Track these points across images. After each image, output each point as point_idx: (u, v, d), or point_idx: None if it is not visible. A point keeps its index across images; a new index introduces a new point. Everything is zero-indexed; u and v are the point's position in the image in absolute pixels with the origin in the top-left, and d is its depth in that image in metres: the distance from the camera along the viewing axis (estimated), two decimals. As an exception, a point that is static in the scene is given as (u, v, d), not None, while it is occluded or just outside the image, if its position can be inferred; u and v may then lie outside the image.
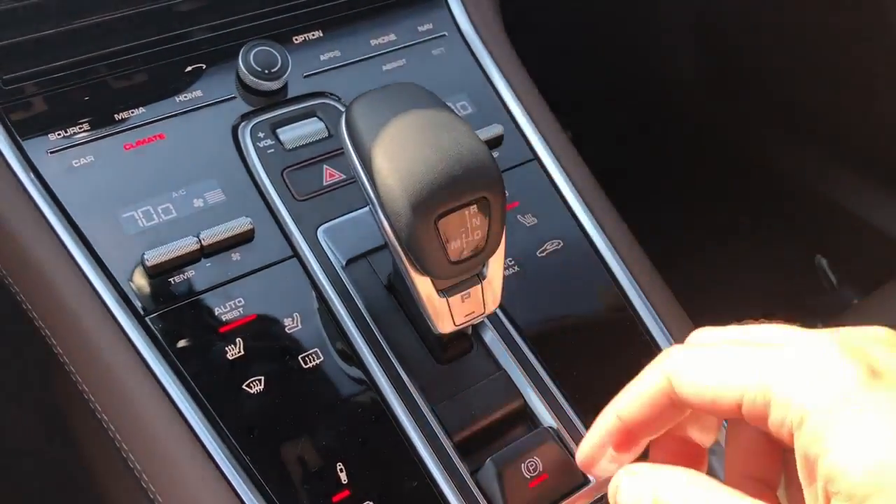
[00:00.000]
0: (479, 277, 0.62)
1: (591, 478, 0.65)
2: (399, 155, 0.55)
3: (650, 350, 0.73)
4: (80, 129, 0.69)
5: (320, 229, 0.70)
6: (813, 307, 1.67)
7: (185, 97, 0.73)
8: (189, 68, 0.74)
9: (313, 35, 0.80)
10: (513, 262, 0.73)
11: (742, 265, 1.70)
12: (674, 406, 0.43)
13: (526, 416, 0.67)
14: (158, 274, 0.65)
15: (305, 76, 0.78)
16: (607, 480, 0.64)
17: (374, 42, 0.81)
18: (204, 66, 0.75)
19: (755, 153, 1.73)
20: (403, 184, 0.54)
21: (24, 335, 0.71)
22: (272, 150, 0.73)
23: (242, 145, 0.72)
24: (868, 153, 1.55)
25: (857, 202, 1.60)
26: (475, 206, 0.56)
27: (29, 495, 1.12)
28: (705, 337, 0.45)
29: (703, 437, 0.47)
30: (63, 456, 1.05)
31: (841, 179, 1.62)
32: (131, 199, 0.67)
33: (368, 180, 0.56)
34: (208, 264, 0.66)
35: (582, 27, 1.81)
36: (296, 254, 0.69)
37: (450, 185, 0.54)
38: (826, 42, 1.51)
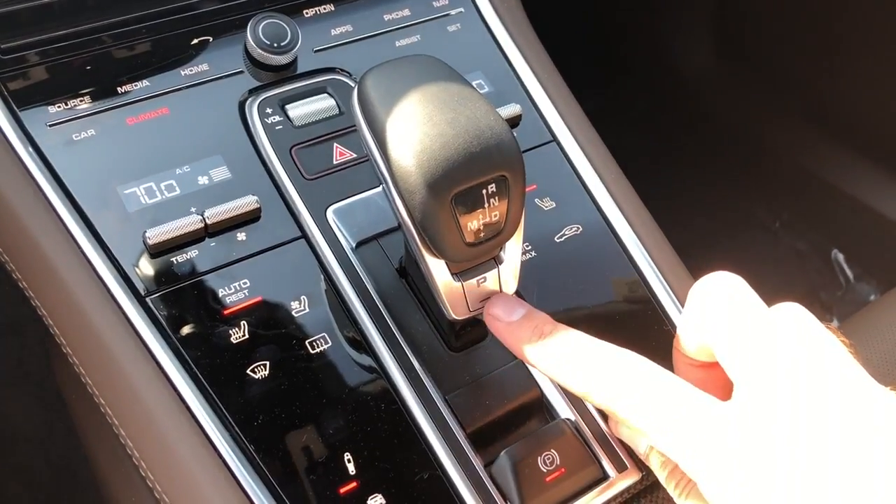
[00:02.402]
0: (496, 261, 0.59)
1: (610, 473, 0.62)
2: (414, 129, 0.52)
3: (671, 340, 0.70)
4: (81, 101, 0.66)
5: (330, 210, 0.68)
6: (828, 302, 1.64)
7: (191, 70, 0.71)
8: (195, 41, 0.72)
9: (324, 8, 0.77)
10: (529, 247, 0.70)
11: (757, 258, 1.68)
12: None
13: (542, 406, 0.65)
14: (160, 253, 0.62)
15: (316, 51, 0.75)
16: (628, 475, 0.62)
17: (387, 17, 0.79)
18: (211, 39, 0.72)
19: (772, 145, 1.70)
20: (418, 160, 0.51)
21: (24, 317, 0.69)
22: (280, 127, 0.70)
23: (250, 121, 0.70)
24: (888, 147, 1.53)
25: (876, 196, 1.58)
26: (493, 185, 0.53)
27: (29, 481, 1.10)
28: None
29: None
30: (63, 441, 1.03)
31: (860, 173, 1.59)
32: (133, 175, 0.65)
33: (381, 156, 0.54)
34: (213, 244, 0.64)
35: (596, 10, 1.78)
36: (304, 235, 0.66)
37: (467, 163, 0.51)
38: (845, 34, 1.48)
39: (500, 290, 0.60)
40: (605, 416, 0.65)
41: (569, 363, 0.53)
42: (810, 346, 0.47)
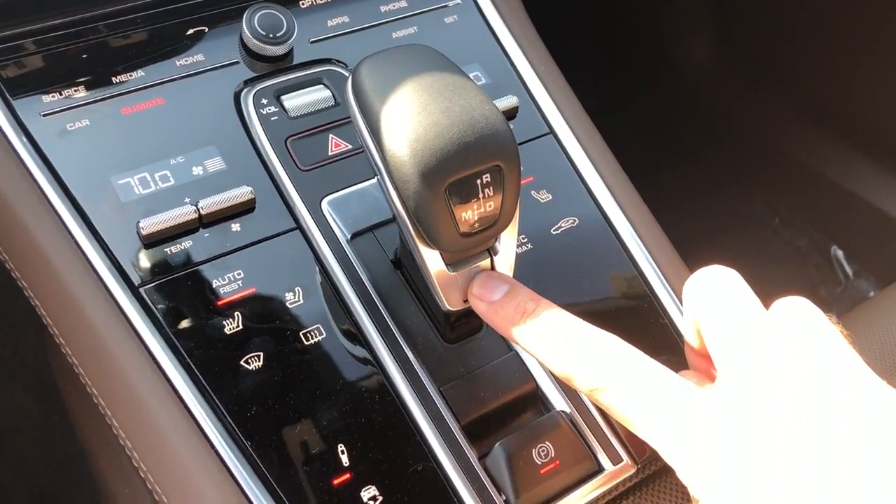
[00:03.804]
0: (491, 252, 0.59)
1: (605, 465, 0.62)
2: (408, 119, 0.51)
3: (668, 333, 0.70)
4: (75, 91, 0.66)
5: (325, 201, 0.67)
6: (827, 299, 1.64)
7: (186, 61, 0.70)
8: (191, 31, 0.71)
9: (321, -1, 0.77)
10: (525, 240, 0.70)
11: (756, 255, 1.67)
12: None
13: (537, 399, 0.64)
14: (154, 243, 0.62)
15: (312, 42, 0.75)
16: (623, 468, 0.62)
17: (384, 8, 0.78)
18: (206, 29, 0.72)
19: (771, 141, 1.70)
20: (412, 149, 0.51)
21: (20, 307, 0.69)
22: (276, 118, 0.70)
23: (245, 112, 0.69)
24: (888, 144, 1.52)
25: (876, 193, 1.57)
26: (488, 175, 0.53)
27: (23, 472, 1.10)
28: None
29: None
30: (59, 433, 1.03)
31: (859, 170, 1.59)
32: (128, 165, 0.65)
33: (375, 145, 0.53)
34: (207, 234, 0.63)
35: (596, 4, 1.77)
36: (298, 226, 0.66)
37: (461, 152, 0.51)
38: (845, 30, 1.47)
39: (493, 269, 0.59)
40: (600, 409, 0.64)
41: (551, 344, 0.53)
42: (808, 336, 0.47)
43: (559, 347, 0.53)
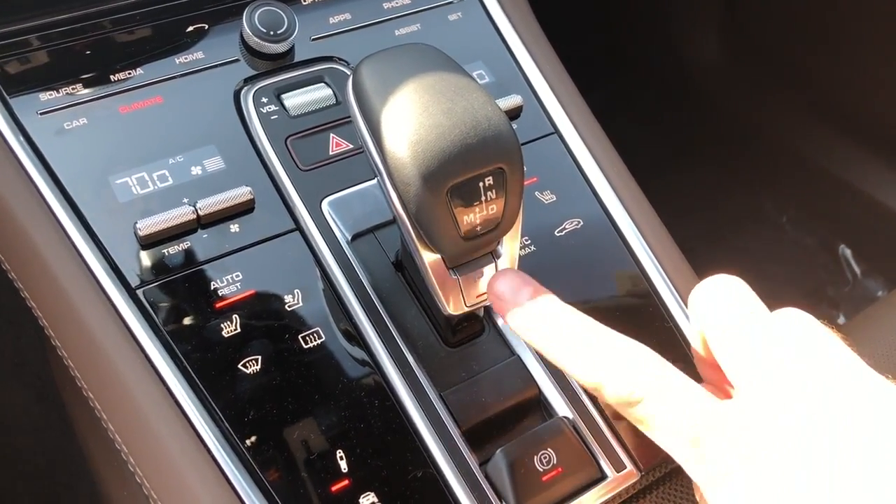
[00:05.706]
0: (493, 256, 0.58)
1: (608, 472, 0.61)
2: (409, 120, 0.50)
3: (674, 337, 0.69)
4: (73, 89, 0.65)
5: (325, 201, 0.66)
6: (835, 299, 1.63)
7: (186, 59, 0.69)
8: (190, 28, 0.71)
9: (323, -4, 0.76)
10: (529, 242, 0.69)
11: (764, 254, 1.66)
12: None
13: (540, 404, 0.63)
14: (152, 244, 0.61)
15: (313, 39, 0.74)
16: (626, 475, 0.61)
17: (386, 5, 0.77)
18: (206, 27, 0.71)
19: (779, 139, 1.68)
20: (413, 151, 0.50)
21: (21, 307, 0.68)
22: (276, 117, 0.69)
23: (244, 111, 0.68)
24: (897, 141, 1.51)
25: (885, 192, 1.56)
26: (490, 177, 0.52)
27: (23, 472, 1.10)
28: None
29: None
30: (58, 433, 1.02)
31: (868, 168, 1.58)
32: (125, 164, 0.64)
33: (376, 147, 0.52)
34: (205, 235, 0.62)
35: (603, 1, 1.76)
36: (298, 227, 0.65)
37: (463, 154, 0.50)
38: (854, 28, 1.46)
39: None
40: (603, 415, 0.63)
41: (580, 352, 0.51)
42: (810, 345, 0.47)
43: (589, 356, 0.51)
